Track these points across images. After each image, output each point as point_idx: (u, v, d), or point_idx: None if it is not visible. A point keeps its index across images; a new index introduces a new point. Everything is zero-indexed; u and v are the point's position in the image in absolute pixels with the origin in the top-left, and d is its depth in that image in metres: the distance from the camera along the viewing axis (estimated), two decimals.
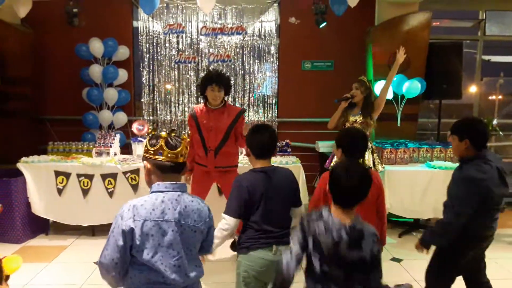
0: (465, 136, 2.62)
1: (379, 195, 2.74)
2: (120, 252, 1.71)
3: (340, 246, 1.75)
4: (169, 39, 6.29)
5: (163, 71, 6.35)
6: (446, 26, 6.68)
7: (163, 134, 1.87)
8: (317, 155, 5.85)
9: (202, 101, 4.08)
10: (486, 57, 6.62)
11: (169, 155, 1.83)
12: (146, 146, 1.88)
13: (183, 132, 6.22)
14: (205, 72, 6.23)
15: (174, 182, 1.84)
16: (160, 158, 1.84)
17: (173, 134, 1.89)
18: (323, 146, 5.61)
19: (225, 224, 2.38)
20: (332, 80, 6.10)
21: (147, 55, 6.31)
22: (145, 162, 1.90)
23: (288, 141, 5.44)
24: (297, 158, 4.98)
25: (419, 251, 2.72)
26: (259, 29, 6.33)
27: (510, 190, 2.66)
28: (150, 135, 1.90)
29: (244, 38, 6.31)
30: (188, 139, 1.94)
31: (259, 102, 6.46)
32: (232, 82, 6.25)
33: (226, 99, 3.98)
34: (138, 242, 1.71)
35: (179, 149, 1.85)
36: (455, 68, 5.46)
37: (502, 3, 6.24)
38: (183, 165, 1.89)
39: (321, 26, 5.42)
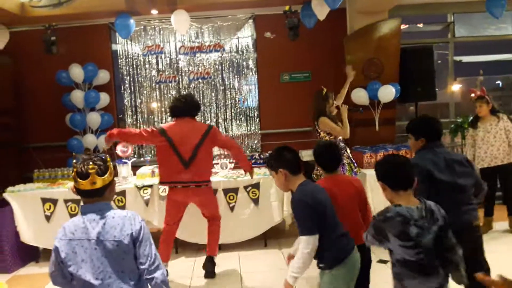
0: (420, 135, 2.81)
1: (360, 197, 2.90)
2: (54, 266, 2.01)
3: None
4: (149, 60, 6.40)
5: (145, 92, 6.45)
6: (416, 30, 6.89)
7: (76, 164, 2.03)
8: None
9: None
10: (457, 58, 6.83)
11: (82, 183, 1.99)
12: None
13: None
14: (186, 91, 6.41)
15: (94, 204, 2.02)
16: (77, 186, 2.01)
17: (91, 162, 2.00)
18: (307, 155, 5.71)
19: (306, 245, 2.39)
20: (310, 90, 6.16)
21: (128, 77, 6.41)
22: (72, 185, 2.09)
23: (271, 152, 5.55)
24: None
25: None
26: (236, 45, 6.48)
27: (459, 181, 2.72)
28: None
29: (222, 54, 6.46)
30: (95, 167, 1.99)
31: (241, 115, 6.58)
32: (213, 98, 6.46)
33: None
34: (64, 259, 1.95)
35: (89, 178, 1.97)
36: (428, 70, 5.65)
37: (469, 6, 6.47)
38: (103, 189, 2.02)
39: None
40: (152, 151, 6.42)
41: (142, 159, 6.30)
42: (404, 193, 2.13)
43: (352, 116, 5.46)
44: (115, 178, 5.09)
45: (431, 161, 2.70)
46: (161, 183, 4.04)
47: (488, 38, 7.05)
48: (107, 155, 2.17)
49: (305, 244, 2.36)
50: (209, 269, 4.20)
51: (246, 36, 6.48)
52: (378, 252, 4.64)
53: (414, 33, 6.89)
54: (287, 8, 5.57)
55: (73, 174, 2.02)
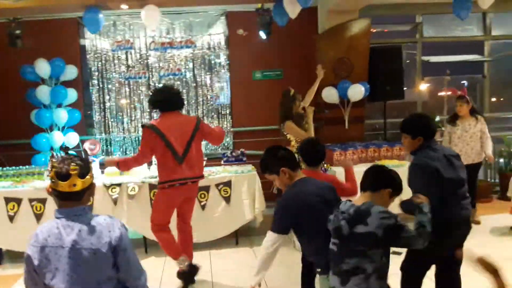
0: (418, 134, 2.77)
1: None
2: (27, 274, 1.87)
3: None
4: (118, 56, 6.28)
5: (114, 88, 6.32)
6: (386, 30, 7.02)
7: (55, 163, 1.88)
8: None
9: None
10: (425, 58, 6.99)
11: (61, 185, 1.85)
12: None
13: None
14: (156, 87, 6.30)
15: (70, 208, 1.88)
16: (55, 187, 1.87)
17: (72, 162, 1.88)
18: None
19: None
20: (282, 88, 6.16)
21: (96, 73, 6.26)
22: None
23: (243, 150, 5.55)
24: (253, 166, 5.09)
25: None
26: (208, 42, 6.42)
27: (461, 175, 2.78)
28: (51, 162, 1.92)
29: (194, 51, 6.39)
30: (77, 168, 1.86)
31: (213, 113, 6.54)
32: (184, 94, 6.37)
33: None
34: (38, 267, 1.83)
35: (69, 180, 1.85)
36: (396, 70, 5.76)
37: (437, 7, 6.62)
38: (83, 192, 1.89)
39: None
40: (121, 149, 6.31)
41: (110, 157, 6.17)
42: (362, 193, 2.30)
43: (321, 115, 5.52)
44: None
45: (438, 161, 2.68)
46: (160, 183, 3.77)
47: (455, 39, 7.25)
48: (87, 156, 2.06)
49: (268, 239, 2.40)
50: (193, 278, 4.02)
51: (218, 33, 6.44)
52: None
53: (383, 33, 7.01)
54: (259, 5, 5.57)
55: (51, 174, 1.86)
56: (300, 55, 6.29)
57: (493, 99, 7.60)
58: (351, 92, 5.46)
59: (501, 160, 6.52)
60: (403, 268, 2.94)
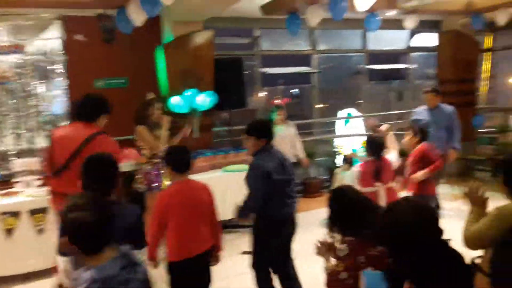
0: (262, 137, 3.17)
1: (212, 205, 3.09)
2: None
3: None
4: None
5: None
6: (228, 42, 7.38)
7: None
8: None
9: None
10: (264, 69, 7.55)
11: None
12: None
13: None
14: None
15: None
16: None
17: None
18: (125, 165, 5.51)
19: None
20: (126, 97, 6.01)
21: None
22: None
23: None
24: None
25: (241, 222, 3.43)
26: (40, 47, 5.81)
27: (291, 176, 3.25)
28: None
29: (23, 57, 5.71)
30: None
31: (48, 125, 5.93)
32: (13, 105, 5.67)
33: None
34: None
35: None
36: (238, 80, 6.09)
37: (273, 22, 7.19)
38: None
39: None
40: None
41: None
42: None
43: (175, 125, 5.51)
44: None
45: (272, 163, 3.09)
46: None
47: (287, 52, 8.01)
48: None
49: None
50: None
51: (52, 38, 5.87)
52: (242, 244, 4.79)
53: (226, 45, 7.34)
54: (100, 11, 5.28)
55: None
56: (146, 63, 6.14)
57: (320, 106, 8.57)
58: (199, 102, 5.57)
59: (329, 158, 7.42)
60: (252, 266, 3.25)
